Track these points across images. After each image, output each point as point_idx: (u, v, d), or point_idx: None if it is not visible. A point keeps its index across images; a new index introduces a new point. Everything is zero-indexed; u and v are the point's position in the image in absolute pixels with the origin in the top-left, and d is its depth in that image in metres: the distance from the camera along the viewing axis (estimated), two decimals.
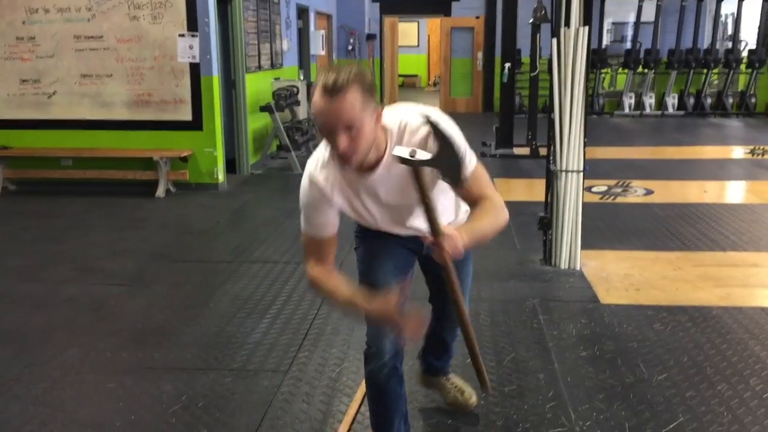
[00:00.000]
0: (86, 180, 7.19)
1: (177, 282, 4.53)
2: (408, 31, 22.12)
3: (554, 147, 4.61)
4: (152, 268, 4.80)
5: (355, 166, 1.86)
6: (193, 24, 6.92)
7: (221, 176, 7.32)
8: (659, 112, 13.70)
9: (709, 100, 13.62)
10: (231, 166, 8.03)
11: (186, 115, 7.11)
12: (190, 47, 6.95)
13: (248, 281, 4.51)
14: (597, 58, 13.19)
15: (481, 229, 1.89)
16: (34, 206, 6.73)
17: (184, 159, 7.12)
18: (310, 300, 4.12)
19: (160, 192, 6.97)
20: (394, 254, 2.29)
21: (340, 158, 1.82)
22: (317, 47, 11.64)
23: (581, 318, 3.85)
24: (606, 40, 14.19)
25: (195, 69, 7.02)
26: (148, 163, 6.99)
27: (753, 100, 13.51)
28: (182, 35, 6.93)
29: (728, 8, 13.87)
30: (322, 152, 2.01)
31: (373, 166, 1.92)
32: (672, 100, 13.71)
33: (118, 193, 7.09)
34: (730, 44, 13.63)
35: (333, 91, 1.72)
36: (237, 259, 4.99)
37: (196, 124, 7.12)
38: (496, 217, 1.95)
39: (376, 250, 2.30)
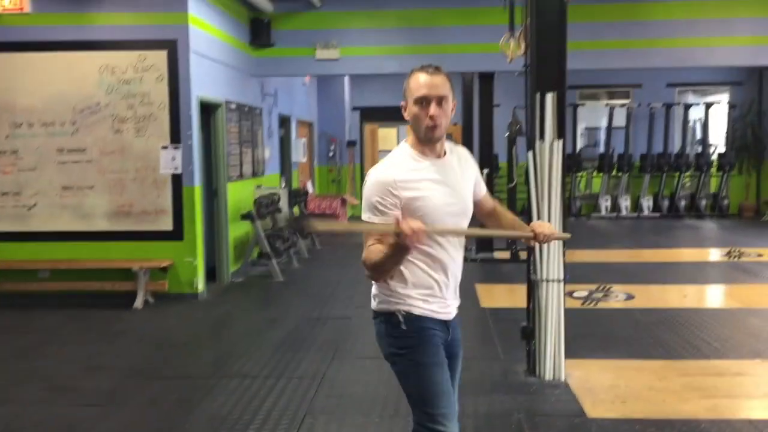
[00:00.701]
0: (63, 292, 7.09)
1: (153, 401, 4.39)
2: (388, 135, 22.63)
3: (534, 256, 4.65)
4: (127, 386, 4.67)
5: (437, 137, 2.31)
6: (176, 136, 7.05)
7: (201, 285, 7.26)
8: (635, 214, 13.95)
9: (683, 202, 13.92)
10: (211, 274, 7.98)
11: (167, 225, 7.12)
12: (173, 159, 7.04)
13: (226, 398, 4.39)
14: (572, 162, 13.52)
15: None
16: (6, 321, 6.57)
17: (164, 269, 7.07)
18: (289, 418, 4.00)
19: (138, 303, 6.87)
20: (442, 359, 2.40)
21: (429, 128, 2.27)
22: (298, 154, 11.86)
23: None
24: (580, 144, 14.62)
25: (177, 179, 7.09)
26: (126, 273, 6.92)
27: (725, 201, 13.83)
28: (165, 147, 7.05)
29: (696, 114, 14.42)
30: (387, 161, 2.36)
31: (440, 155, 2.38)
32: (647, 202, 14.00)
33: (95, 304, 6.98)
34: (699, 148, 14.08)
35: (435, 72, 2.30)
36: (216, 374, 4.87)
37: (176, 233, 7.12)
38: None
39: (430, 361, 2.35)
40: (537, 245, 2.59)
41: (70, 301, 7.04)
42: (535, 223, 2.46)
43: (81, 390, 4.62)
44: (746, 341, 5.41)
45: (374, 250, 2.19)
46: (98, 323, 6.38)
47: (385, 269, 2.23)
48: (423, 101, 2.27)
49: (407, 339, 2.34)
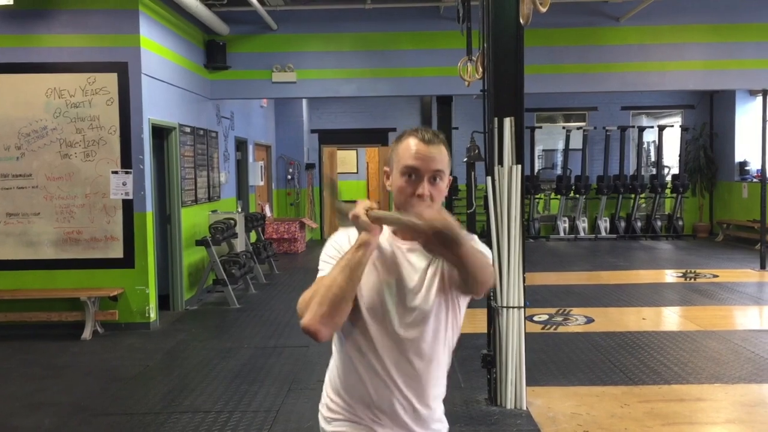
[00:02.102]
0: (6, 323, 6.77)
1: None
2: (347, 158, 22.56)
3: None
4: (71, 424, 4.44)
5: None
6: (127, 161, 6.84)
7: (153, 314, 7.02)
8: (593, 236, 14.07)
9: (639, 224, 14.09)
10: (164, 302, 7.74)
11: (117, 252, 6.88)
12: (124, 184, 6.83)
13: None
14: (530, 184, 13.61)
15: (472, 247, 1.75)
16: None
17: (114, 298, 6.82)
18: None
19: (87, 334, 6.60)
20: None
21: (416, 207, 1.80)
22: (256, 178, 11.68)
23: None
24: (538, 166, 14.73)
25: (128, 205, 6.87)
26: (74, 303, 6.66)
27: (680, 222, 14.04)
28: (116, 172, 6.83)
29: (650, 136, 14.67)
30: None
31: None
32: (604, 224, 14.14)
33: (40, 336, 6.69)
34: (654, 170, 14.30)
35: (432, 140, 1.84)
36: (165, 410, 4.66)
37: (127, 261, 6.88)
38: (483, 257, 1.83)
39: None
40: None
41: (14, 332, 6.73)
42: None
43: (20, 429, 4.37)
44: (705, 365, 5.41)
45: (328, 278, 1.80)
46: (43, 356, 6.10)
47: (332, 292, 1.74)
48: (412, 174, 1.81)
49: None
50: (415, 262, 1.85)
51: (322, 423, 1.96)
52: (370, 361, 1.85)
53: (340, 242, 1.91)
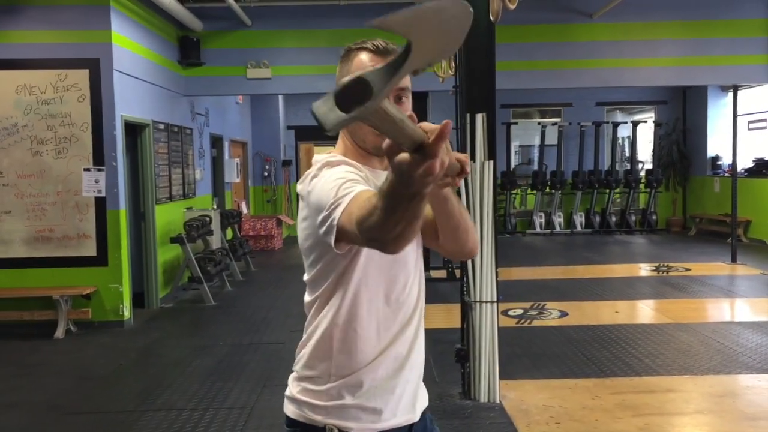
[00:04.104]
0: None
1: None
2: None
3: (467, 278, 4.60)
4: (44, 423, 4.40)
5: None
6: (99, 158, 6.78)
7: (127, 313, 6.97)
8: (568, 231, 14.18)
9: (614, 218, 14.23)
10: (139, 300, 7.68)
11: (90, 250, 6.82)
12: (96, 181, 6.77)
13: None
14: (506, 180, 13.69)
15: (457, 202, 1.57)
16: None
17: (87, 296, 6.76)
18: None
19: (59, 333, 6.54)
20: None
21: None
22: (232, 175, 11.63)
23: None
24: (514, 161, 14.81)
25: (101, 203, 6.82)
26: (47, 302, 6.59)
27: (654, 217, 14.20)
28: (87, 169, 6.77)
29: (624, 132, 14.82)
30: (332, 155, 1.64)
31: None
32: (579, 219, 14.26)
33: (11, 335, 6.60)
34: (628, 165, 14.45)
35: (388, 50, 1.57)
36: (139, 408, 4.64)
37: (100, 259, 6.83)
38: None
39: None
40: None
41: None
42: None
43: None
44: (676, 357, 5.49)
45: (366, 199, 1.32)
46: (14, 355, 6.04)
47: (402, 218, 1.19)
48: None
49: None
50: None
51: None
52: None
53: (345, 164, 1.58)
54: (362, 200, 1.33)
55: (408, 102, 1.60)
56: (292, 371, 1.73)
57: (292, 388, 1.70)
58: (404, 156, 1.03)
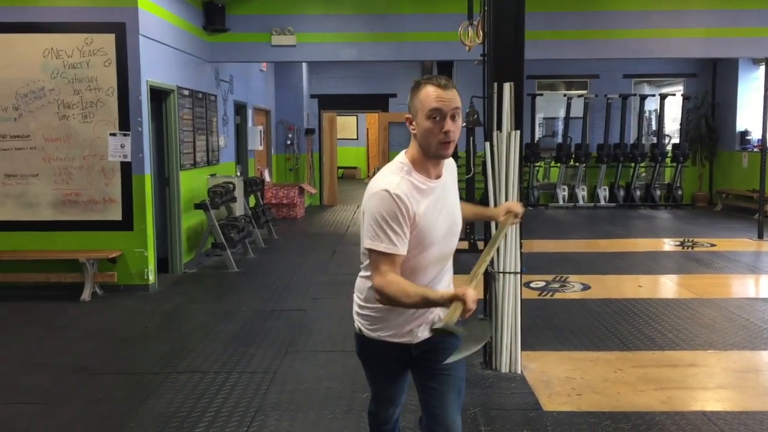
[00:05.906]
0: (5, 284, 6.81)
1: (96, 398, 4.22)
2: (347, 124, 22.50)
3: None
4: (71, 383, 4.48)
5: (448, 154, 2.25)
6: (125, 123, 6.81)
7: (152, 277, 7.05)
8: (592, 204, 14.07)
9: (638, 193, 14.08)
10: (163, 265, 7.77)
11: (116, 214, 6.89)
12: (122, 146, 6.81)
13: (174, 395, 4.24)
14: (530, 152, 13.57)
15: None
16: None
17: (113, 260, 6.85)
18: (240, 415, 3.88)
19: (86, 295, 6.64)
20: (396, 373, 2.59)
21: (442, 144, 2.19)
22: (255, 143, 11.64)
23: (524, 428, 3.72)
24: (538, 134, 14.67)
25: (126, 168, 6.86)
26: (73, 264, 6.68)
27: (679, 192, 14.03)
28: (113, 134, 6.80)
29: (651, 105, 14.59)
30: (394, 175, 2.24)
31: (440, 174, 2.33)
32: (603, 193, 14.13)
33: (39, 297, 6.73)
34: (655, 139, 14.25)
35: (447, 85, 2.21)
36: (164, 370, 4.71)
37: (126, 223, 6.89)
38: None
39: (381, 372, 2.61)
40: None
41: (13, 293, 6.78)
42: (509, 204, 2.75)
43: (21, 388, 4.42)
44: (699, 332, 5.45)
45: (396, 284, 2.14)
46: (42, 317, 6.15)
47: (409, 303, 2.18)
48: (437, 115, 2.18)
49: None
50: (449, 184, 2.38)
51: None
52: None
53: (404, 198, 2.18)
54: (400, 283, 2.15)
55: (459, 118, 2.24)
56: None
57: None
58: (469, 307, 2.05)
